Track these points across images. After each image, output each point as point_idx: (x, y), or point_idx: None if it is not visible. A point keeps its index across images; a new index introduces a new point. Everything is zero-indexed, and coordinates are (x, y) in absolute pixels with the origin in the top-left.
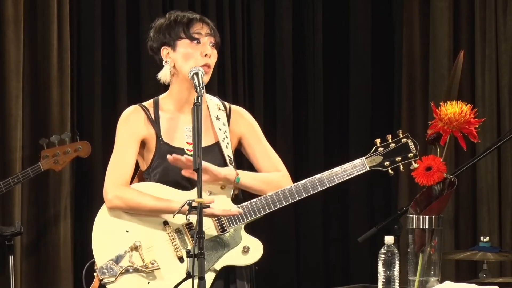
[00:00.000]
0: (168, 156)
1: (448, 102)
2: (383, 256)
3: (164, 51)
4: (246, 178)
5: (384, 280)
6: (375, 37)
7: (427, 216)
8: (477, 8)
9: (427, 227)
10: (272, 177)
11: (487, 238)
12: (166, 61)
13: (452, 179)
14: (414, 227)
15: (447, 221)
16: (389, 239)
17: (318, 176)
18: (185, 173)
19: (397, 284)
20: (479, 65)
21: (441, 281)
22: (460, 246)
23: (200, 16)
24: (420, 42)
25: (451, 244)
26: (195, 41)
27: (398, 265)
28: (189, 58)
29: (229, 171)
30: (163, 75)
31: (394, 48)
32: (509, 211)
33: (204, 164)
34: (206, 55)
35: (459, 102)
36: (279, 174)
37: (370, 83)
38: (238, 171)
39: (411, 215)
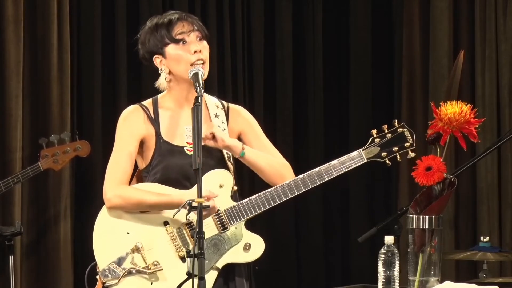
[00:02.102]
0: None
1: (448, 102)
2: (383, 256)
3: (157, 59)
4: (251, 154)
5: (384, 280)
6: (375, 37)
7: (427, 216)
8: (477, 8)
9: (427, 227)
10: (275, 161)
11: (487, 238)
12: (161, 69)
13: (452, 179)
14: (414, 227)
15: (447, 221)
16: (389, 239)
17: (316, 169)
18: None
19: (397, 284)
20: (479, 65)
21: (441, 281)
22: (460, 246)
23: (179, 14)
24: (420, 42)
25: (451, 244)
26: (181, 42)
27: (398, 265)
28: (181, 59)
29: (236, 143)
30: (161, 83)
31: (394, 48)
32: (509, 211)
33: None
34: (195, 51)
35: (459, 102)
36: (282, 162)
37: (370, 83)
38: (245, 146)
39: (411, 215)
